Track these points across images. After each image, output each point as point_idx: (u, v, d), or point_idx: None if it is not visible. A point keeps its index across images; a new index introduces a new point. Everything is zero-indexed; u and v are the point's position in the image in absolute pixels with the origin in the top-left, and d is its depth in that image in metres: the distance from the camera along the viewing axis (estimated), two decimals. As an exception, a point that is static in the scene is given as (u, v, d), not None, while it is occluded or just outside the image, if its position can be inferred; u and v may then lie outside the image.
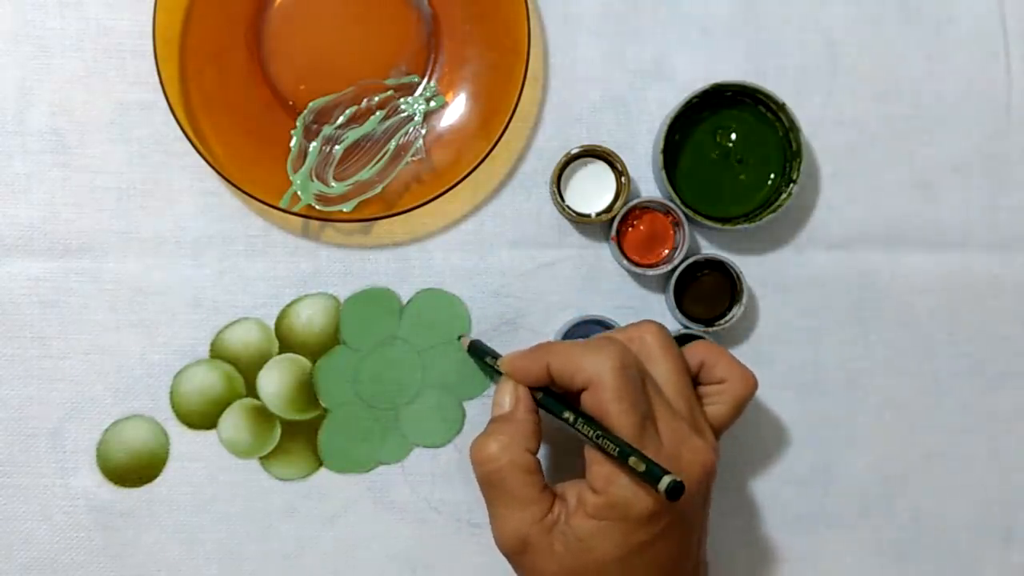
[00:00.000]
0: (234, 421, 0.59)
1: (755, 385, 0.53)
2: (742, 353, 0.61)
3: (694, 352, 0.54)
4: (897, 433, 0.62)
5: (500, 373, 0.53)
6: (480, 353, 0.57)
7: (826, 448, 0.61)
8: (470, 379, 0.60)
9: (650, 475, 0.44)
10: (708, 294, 0.59)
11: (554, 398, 0.51)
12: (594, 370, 0.48)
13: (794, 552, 0.61)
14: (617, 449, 0.46)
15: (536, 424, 0.51)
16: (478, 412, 0.60)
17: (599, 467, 0.48)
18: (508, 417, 0.51)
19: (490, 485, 0.50)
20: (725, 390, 0.53)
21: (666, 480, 0.44)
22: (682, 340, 0.59)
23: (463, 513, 0.60)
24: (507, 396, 0.52)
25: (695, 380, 0.54)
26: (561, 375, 0.49)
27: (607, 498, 0.47)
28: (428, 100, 0.59)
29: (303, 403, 0.60)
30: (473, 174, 0.57)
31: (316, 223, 0.60)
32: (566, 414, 0.49)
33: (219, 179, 0.58)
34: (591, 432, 0.47)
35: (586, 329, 0.59)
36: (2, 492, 0.59)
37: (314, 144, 0.58)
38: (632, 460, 0.45)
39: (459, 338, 0.59)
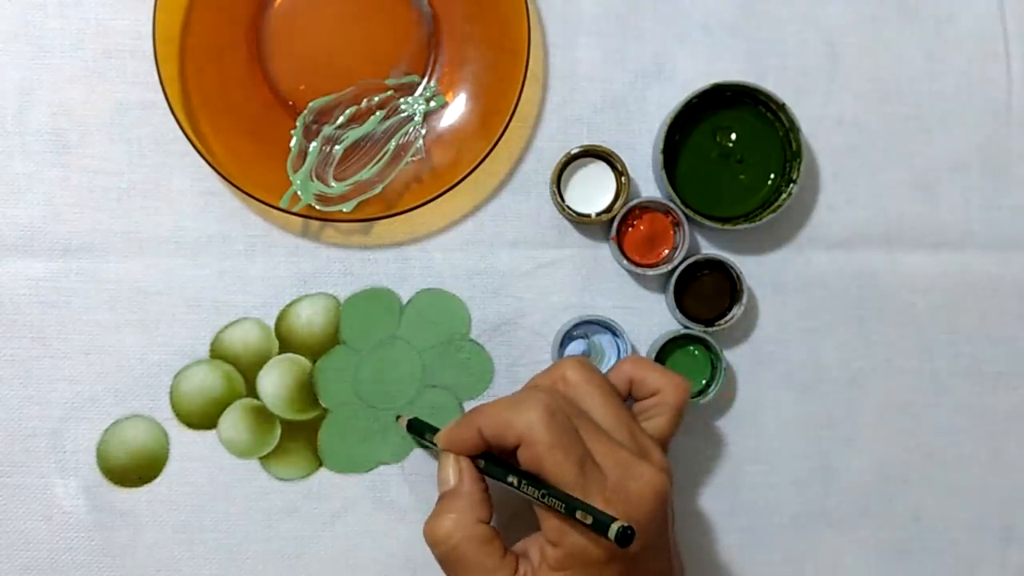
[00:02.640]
0: (234, 421, 0.59)
1: (688, 389, 0.53)
2: (742, 353, 0.61)
3: (621, 372, 0.54)
4: (897, 433, 0.62)
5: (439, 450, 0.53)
6: (419, 431, 0.56)
7: (826, 448, 0.61)
8: (470, 379, 0.60)
9: (599, 525, 0.45)
10: (708, 294, 0.59)
11: (495, 463, 0.50)
12: (522, 425, 0.47)
13: (794, 552, 0.61)
14: (563, 505, 0.46)
15: (484, 492, 0.51)
16: (478, 412, 0.60)
17: (550, 520, 0.47)
18: (455, 492, 0.51)
19: (450, 563, 0.49)
20: (660, 401, 0.53)
21: (614, 528, 0.44)
22: (682, 340, 0.59)
23: (463, 513, 0.60)
24: (450, 471, 0.51)
25: (630, 398, 0.54)
26: (493, 437, 0.49)
27: (565, 549, 0.47)
28: (428, 100, 0.59)
29: (303, 403, 0.60)
30: (473, 174, 0.57)
31: (316, 223, 0.60)
32: (510, 478, 0.49)
33: (219, 179, 0.58)
34: (536, 492, 0.47)
35: (586, 329, 0.59)
36: (2, 492, 0.59)
37: (314, 144, 0.58)
38: (579, 514, 0.45)
39: (397, 418, 0.59)
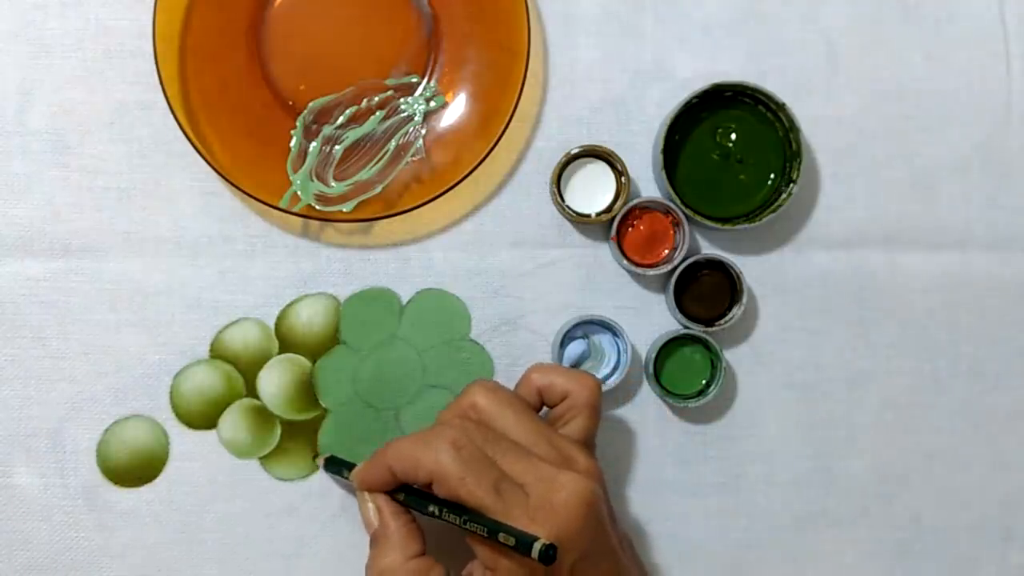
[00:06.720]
0: (234, 421, 0.59)
1: (597, 385, 0.53)
2: (742, 353, 0.61)
3: (528, 383, 0.53)
4: (897, 433, 0.62)
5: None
6: (336, 469, 0.56)
7: (826, 448, 0.61)
8: (470, 379, 0.60)
9: (522, 546, 0.45)
10: (708, 294, 0.59)
11: (415, 495, 0.50)
12: (430, 462, 0.47)
13: (794, 552, 0.61)
14: (485, 529, 0.46)
15: (410, 525, 0.51)
16: (478, 412, 0.60)
17: (481, 548, 0.47)
18: (381, 533, 0.51)
19: None
20: (573, 403, 0.52)
21: (536, 548, 0.44)
22: (682, 340, 0.59)
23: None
24: (369, 511, 0.52)
25: (544, 406, 0.54)
26: (404, 474, 0.49)
27: (502, 573, 0.47)
28: (428, 100, 0.59)
29: (303, 403, 0.60)
30: (473, 174, 0.57)
31: (316, 223, 0.60)
32: (430, 508, 0.49)
33: (219, 179, 0.58)
34: (457, 519, 0.47)
35: (586, 329, 0.59)
36: (2, 492, 0.59)
37: (314, 144, 0.58)
38: (501, 536, 0.45)
39: (314, 458, 0.59)
